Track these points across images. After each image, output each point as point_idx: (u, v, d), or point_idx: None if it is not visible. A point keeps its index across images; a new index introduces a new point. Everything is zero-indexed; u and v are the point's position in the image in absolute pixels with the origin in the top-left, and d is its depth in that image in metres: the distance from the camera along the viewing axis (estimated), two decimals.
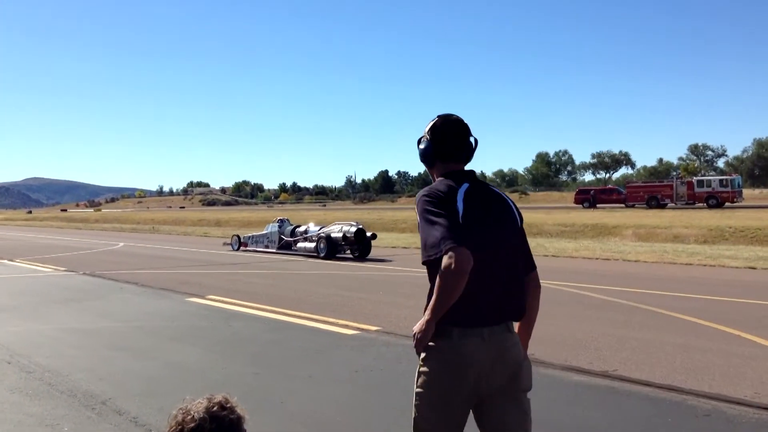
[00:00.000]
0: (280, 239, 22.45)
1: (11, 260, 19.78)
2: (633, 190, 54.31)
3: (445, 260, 2.32)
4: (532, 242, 20.69)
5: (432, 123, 2.76)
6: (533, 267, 2.78)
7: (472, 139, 2.77)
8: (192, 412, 1.78)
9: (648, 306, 9.58)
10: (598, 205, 53.95)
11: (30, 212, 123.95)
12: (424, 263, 2.52)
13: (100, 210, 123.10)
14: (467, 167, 2.75)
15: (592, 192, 58.75)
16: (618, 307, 9.60)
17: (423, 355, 2.53)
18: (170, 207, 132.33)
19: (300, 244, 21.31)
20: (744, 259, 16.14)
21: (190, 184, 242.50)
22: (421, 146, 2.78)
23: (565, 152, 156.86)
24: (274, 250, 22.38)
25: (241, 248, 23.63)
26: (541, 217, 33.87)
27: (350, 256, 19.98)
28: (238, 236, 24.41)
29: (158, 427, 4.73)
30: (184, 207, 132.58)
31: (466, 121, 2.78)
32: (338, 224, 20.83)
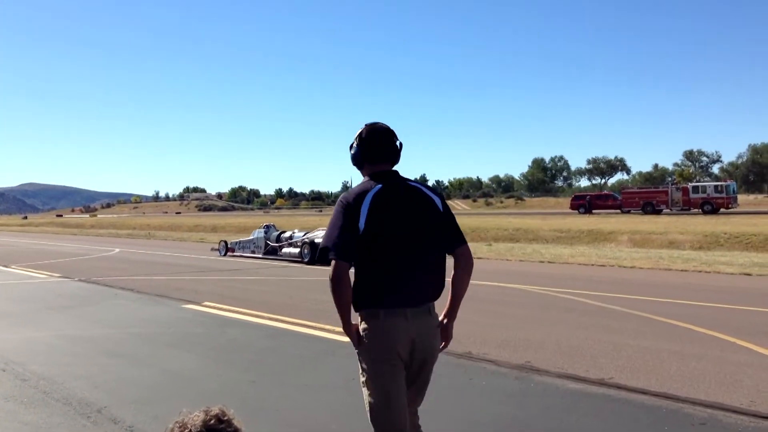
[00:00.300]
0: (266, 245, 22.81)
1: (6, 266, 19.73)
2: (628, 196, 54.50)
3: (332, 269, 2.92)
4: (528, 248, 20.81)
5: (359, 131, 3.17)
6: (462, 242, 3.15)
7: (398, 143, 3.19)
8: (189, 426, 1.77)
9: (643, 313, 9.59)
10: (593, 211, 54.09)
11: (25, 218, 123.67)
12: (333, 257, 2.96)
13: (95, 216, 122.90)
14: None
15: (587, 198, 58.90)
16: (614, 314, 9.61)
17: (361, 335, 3.05)
18: (166, 212, 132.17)
19: (285, 250, 21.74)
20: (739, 265, 16.17)
21: (187, 190, 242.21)
22: (352, 151, 3.21)
23: (561, 158, 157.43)
24: (260, 256, 22.69)
25: (228, 254, 23.88)
26: (537, 222, 33.91)
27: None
28: (226, 242, 24.74)
29: None
30: (180, 212, 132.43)
31: (391, 128, 3.19)
32: (322, 230, 20.90)
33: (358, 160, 3.20)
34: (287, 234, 22.69)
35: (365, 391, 3.04)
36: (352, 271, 3.01)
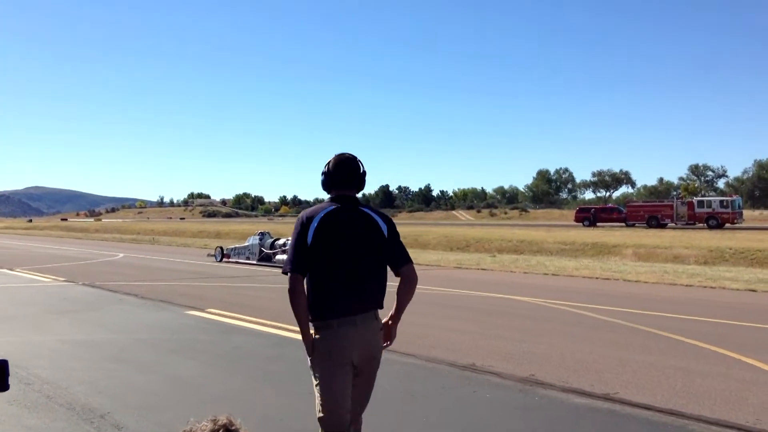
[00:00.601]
0: (261, 251, 23.19)
1: (11, 269, 19.78)
2: (633, 210, 54.37)
3: (289, 282, 3.37)
4: (532, 260, 20.78)
5: (329, 161, 3.59)
6: (406, 261, 3.62)
7: (362, 171, 3.60)
8: None
9: (648, 327, 9.56)
10: (598, 224, 53.98)
11: (30, 221, 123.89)
12: (287, 272, 3.41)
13: (100, 220, 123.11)
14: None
15: (592, 210, 58.79)
16: (619, 328, 9.58)
17: (314, 342, 3.41)
18: (170, 218, 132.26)
19: (278, 257, 22.07)
20: (744, 281, 16.12)
21: (191, 196, 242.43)
22: (321, 177, 3.62)
23: (566, 170, 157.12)
24: (254, 262, 23.03)
25: (224, 260, 24.20)
26: (542, 234, 33.87)
27: None
28: (222, 248, 25.11)
29: None
30: (184, 218, 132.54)
31: (357, 158, 3.61)
32: None
33: (326, 186, 3.62)
34: (281, 241, 23.01)
35: (317, 395, 3.39)
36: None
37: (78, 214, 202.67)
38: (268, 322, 9.81)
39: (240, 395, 6.02)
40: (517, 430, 5.08)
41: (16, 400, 5.70)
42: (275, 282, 16.48)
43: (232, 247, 25.19)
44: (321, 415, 3.38)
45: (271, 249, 22.96)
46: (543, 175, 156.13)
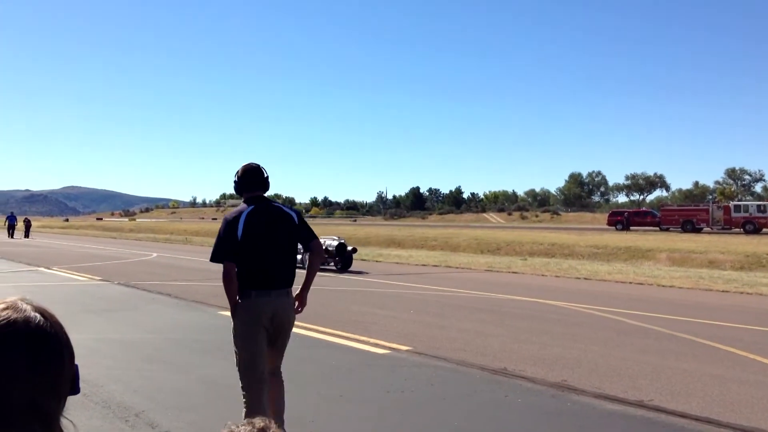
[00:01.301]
0: None
1: (48, 268, 20.15)
2: (668, 214, 53.64)
3: (223, 269, 4.28)
4: (564, 264, 20.60)
5: (237, 170, 4.53)
6: (313, 237, 4.59)
7: (266, 176, 4.54)
8: None
9: (683, 334, 9.42)
10: (631, 228, 53.33)
11: (67, 220, 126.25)
12: (214, 260, 4.35)
13: (134, 220, 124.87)
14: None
15: (625, 214, 58.14)
16: (652, 334, 9.45)
17: (237, 311, 4.34)
18: (203, 218, 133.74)
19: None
20: None
21: (223, 196, 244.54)
22: (234, 183, 4.54)
23: (599, 173, 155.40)
24: None
25: None
26: (573, 238, 33.56)
27: (333, 268, 20.87)
28: None
29: None
30: (216, 219, 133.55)
31: (261, 166, 4.55)
32: (322, 239, 21.09)
33: (238, 189, 4.55)
34: None
35: (236, 347, 4.42)
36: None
37: (113, 214, 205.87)
38: (300, 324, 9.83)
39: None
40: None
41: None
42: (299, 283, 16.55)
43: None
44: (240, 368, 4.42)
45: None
46: (575, 178, 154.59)
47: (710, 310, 12.08)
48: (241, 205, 4.47)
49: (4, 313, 1.06)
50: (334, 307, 12.07)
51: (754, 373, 7.09)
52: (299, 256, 21.91)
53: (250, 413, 4.12)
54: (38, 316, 1.09)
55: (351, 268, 20.95)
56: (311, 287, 4.65)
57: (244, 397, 4.39)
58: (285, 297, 4.42)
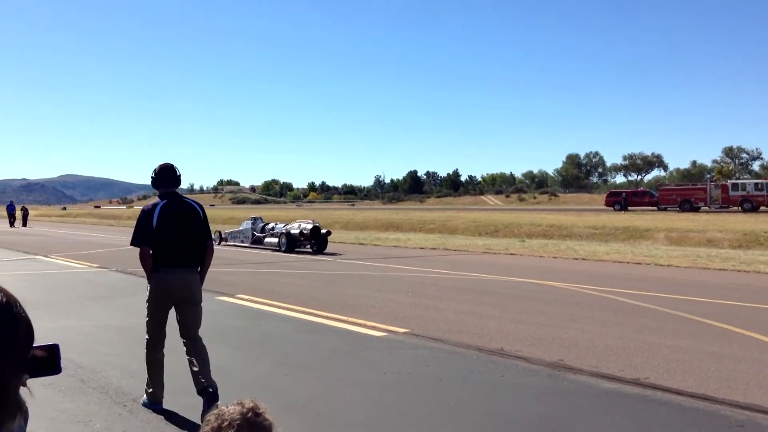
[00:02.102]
0: (253, 235, 24.76)
1: (46, 256, 20.15)
2: (666, 193, 53.62)
3: (139, 251, 5.22)
4: (562, 245, 20.63)
5: (155, 168, 5.38)
6: (207, 238, 5.48)
7: (179, 174, 5.40)
8: (227, 418, 1.80)
9: (680, 312, 9.45)
10: (629, 208, 53.34)
11: (64, 208, 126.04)
12: (133, 245, 5.30)
13: (132, 207, 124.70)
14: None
15: (623, 194, 58.09)
16: (649, 313, 9.48)
17: (150, 283, 5.31)
18: None
19: (267, 240, 23.71)
20: None
21: (221, 183, 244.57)
22: (151, 179, 5.47)
23: (596, 154, 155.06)
24: (248, 245, 24.68)
25: (222, 243, 25.42)
26: (571, 219, 33.57)
27: (309, 250, 21.84)
28: (220, 232, 26.60)
29: (188, 426, 4.79)
30: (214, 205, 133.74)
31: (174, 165, 5.40)
32: (297, 222, 23.18)
33: (154, 185, 5.44)
34: (270, 226, 24.59)
35: (147, 312, 5.38)
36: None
37: (110, 202, 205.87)
38: (297, 308, 9.88)
39: (269, 380, 6.08)
40: (545, 415, 5.06)
41: (51, 384, 5.80)
42: (302, 268, 16.59)
43: (229, 231, 26.86)
44: (148, 326, 5.39)
45: (262, 233, 24.43)
46: (573, 159, 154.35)
47: (708, 289, 12.11)
48: (156, 198, 5.41)
49: None
50: (331, 290, 12.08)
51: (750, 350, 7.12)
52: (275, 240, 22.96)
53: (148, 362, 5.37)
54: None
55: (327, 251, 21.79)
56: (207, 273, 5.58)
57: (146, 346, 5.42)
58: (189, 274, 5.33)
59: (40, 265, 17.47)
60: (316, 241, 21.71)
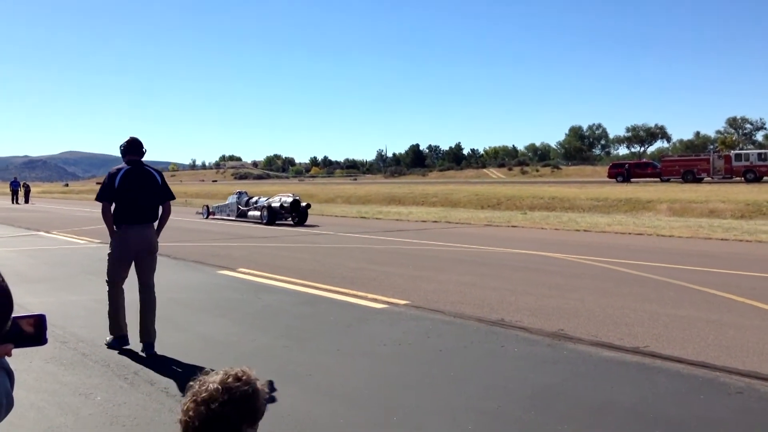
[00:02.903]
0: (238, 209, 25.44)
1: (48, 232, 20.17)
2: (668, 164, 53.40)
3: (101, 207, 6.22)
4: (564, 217, 20.60)
5: (124, 141, 6.39)
6: (169, 199, 6.54)
7: (144, 148, 6.42)
8: (208, 383, 1.80)
9: (681, 281, 9.44)
10: (632, 180, 53.20)
11: (66, 185, 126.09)
12: (98, 200, 6.29)
13: None
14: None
15: (626, 166, 57.89)
16: (650, 283, 9.47)
17: (112, 237, 6.27)
18: (203, 180, 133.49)
19: (250, 213, 24.44)
20: None
21: (223, 158, 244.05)
22: (120, 149, 6.36)
23: (599, 126, 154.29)
24: (233, 218, 25.40)
25: (210, 217, 26.67)
26: (574, 191, 33.51)
27: (290, 222, 22.57)
28: (208, 206, 27.81)
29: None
30: (216, 180, 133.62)
31: (139, 139, 6.43)
32: (279, 196, 24.03)
33: (123, 154, 6.39)
34: (254, 199, 25.21)
35: (108, 262, 6.37)
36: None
37: None
38: (298, 281, 9.88)
39: (270, 352, 6.10)
40: (545, 384, 5.07)
41: (53, 358, 5.84)
42: (303, 242, 16.59)
43: (216, 205, 27.76)
44: (108, 273, 6.37)
45: (246, 206, 25.11)
46: (575, 132, 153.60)
47: (709, 258, 12.09)
48: (122, 164, 6.36)
49: None
50: (332, 263, 12.08)
51: (751, 318, 7.12)
52: (258, 213, 23.40)
53: (110, 310, 6.36)
54: None
55: (309, 222, 22.66)
56: (163, 229, 6.66)
57: (108, 292, 6.37)
58: (147, 229, 6.34)
59: (42, 241, 17.49)
60: (296, 213, 22.49)
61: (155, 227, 6.48)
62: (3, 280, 1.14)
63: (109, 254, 6.33)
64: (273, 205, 23.05)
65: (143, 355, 6.00)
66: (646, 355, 5.78)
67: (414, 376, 5.31)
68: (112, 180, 6.19)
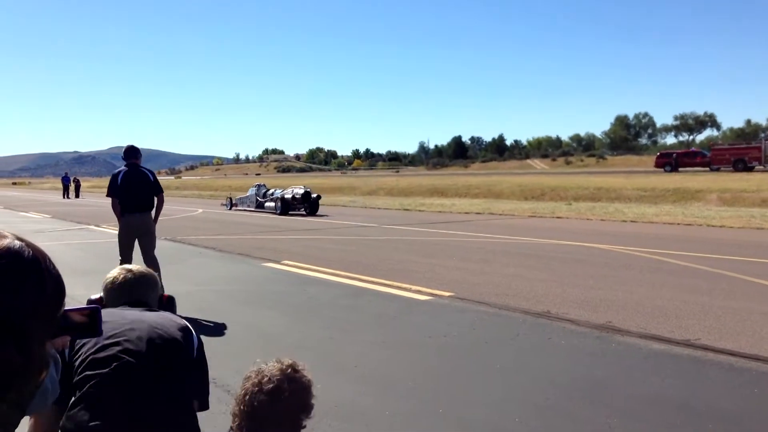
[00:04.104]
0: (257, 200, 27.22)
1: (98, 226, 20.61)
2: (718, 153, 52.10)
3: (111, 201, 8.23)
4: (610, 207, 20.36)
5: (124, 148, 8.27)
6: (160, 192, 8.26)
7: (139, 153, 8.29)
8: (267, 374, 1.83)
9: (734, 273, 9.21)
10: (680, 169, 52.06)
11: None
12: (107, 196, 8.31)
13: (180, 177, 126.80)
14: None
15: (674, 155, 56.67)
16: (701, 274, 9.27)
17: (120, 222, 8.16)
18: (247, 174, 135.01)
19: (266, 204, 26.19)
20: None
21: (266, 152, 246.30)
22: (122, 154, 8.28)
23: (646, 114, 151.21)
24: (253, 209, 27.17)
25: (233, 208, 28.58)
26: (620, 181, 32.94)
27: (303, 213, 24.15)
28: (231, 198, 29.80)
29: (237, 389, 4.86)
30: (260, 174, 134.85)
31: (136, 146, 8.27)
32: (291, 188, 25.77)
33: (124, 157, 8.21)
34: (270, 191, 26.99)
35: (118, 240, 8.14)
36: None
37: (159, 173, 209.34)
38: (342, 273, 9.93)
39: (316, 344, 6.13)
40: (593, 377, 5.00)
41: None
42: (347, 234, 16.66)
43: (239, 197, 29.51)
44: (120, 252, 8.12)
45: (263, 198, 26.88)
46: (621, 121, 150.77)
47: (762, 249, 11.78)
48: (123, 166, 8.23)
49: None
50: (376, 255, 12.11)
51: None
52: (273, 204, 26.03)
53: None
54: (17, 242, 1.11)
55: (318, 213, 24.11)
56: (160, 217, 8.51)
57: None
58: (144, 216, 8.18)
59: (91, 235, 17.91)
60: (308, 204, 24.12)
61: (152, 214, 8.29)
62: (54, 267, 1.16)
63: (118, 235, 8.23)
64: (286, 196, 24.65)
65: None
66: (697, 347, 5.66)
67: (459, 368, 5.29)
68: (115, 179, 8.06)
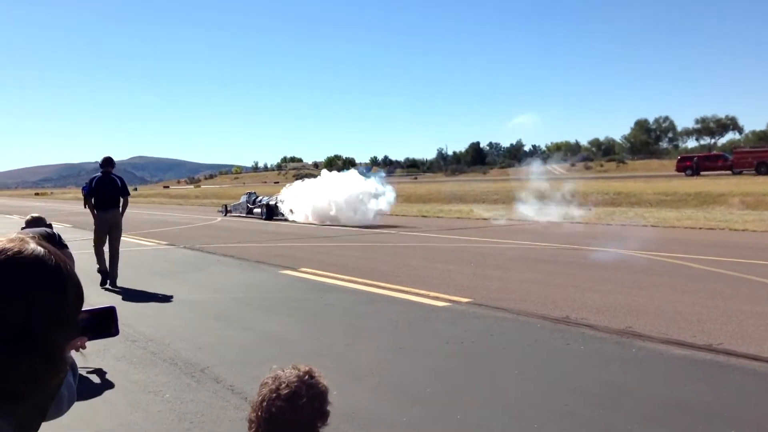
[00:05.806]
0: (247, 207, 28.80)
1: None
2: (741, 156, 51.47)
3: (84, 200, 13.37)
4: (630, 212, 20.13)
5: (101, 159, 10.73)
6: (125, 195, 10.76)
7: (113, 162, 10.73)
8: (284, 380, 1.82)
9: (757, 277, 9.07)
10: (702, 173, 51.49)
11: (135, 189, 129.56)
12: (83, 195, 14.11)
13: (199, 186, 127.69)
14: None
15: (695, 159, 56.06)
16: (723, 279, 9.13)
17: (95, 218, 10.65)
18: (265, 182, 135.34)
19: (254, 210, 27.93)
20: None
21: (284, 160, 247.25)
22: (98, 164, 10.71)
23: (666, 118, 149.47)
24: (244, 215, 28.67)
25: (228, 215, 30.00)
26: (640, 186, 32.67)
27: (261, 218, 25.91)
28: (226, 205, 31.39)
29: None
30: (278, 182, 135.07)
31: (111, 157, 10.73)
32: (275, 195, 27.18)
33: (100, 165, 10.54)
34: (259, 198, 28.58)
35: (94, 233, 10.68)
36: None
37: (179, 182, 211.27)
38: (360, 280, 9.91)
39: (333, 351, 6.11)
40: (613, 382, 4.93)
41: (123, 357, 6.00)
42: (364, 241, 16.64)
43: (233, 204, 31.11)
44: (94, 242, 10.50)
45: (253, 204, 28.51)
46: (641, 125, 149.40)
47: None
48: (98, 173, 10.43)
49: (9, 245, 1.08)
50: (393, 262, 12.07)
51: None
52: (259, 210, 27.52)
53: (98, 259, 10.32)
54: (41, 248, 1.10)
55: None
56: (126, 212, 10.81)
57: (93, 248, 10.48)
58: (113, 212, 10.41)
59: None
60: (267, 210, 26.18)
61: (120, 211, 10.53)
62: (74, 273, 1.16)
63: (93, 228, 10.57)
64: (270, 203, 26.58)
65: (110, 288, 10.15)
66: (719, 353, 5.57)
67: (478, 374, 5.24)
68: (91, 183, 10.46)
